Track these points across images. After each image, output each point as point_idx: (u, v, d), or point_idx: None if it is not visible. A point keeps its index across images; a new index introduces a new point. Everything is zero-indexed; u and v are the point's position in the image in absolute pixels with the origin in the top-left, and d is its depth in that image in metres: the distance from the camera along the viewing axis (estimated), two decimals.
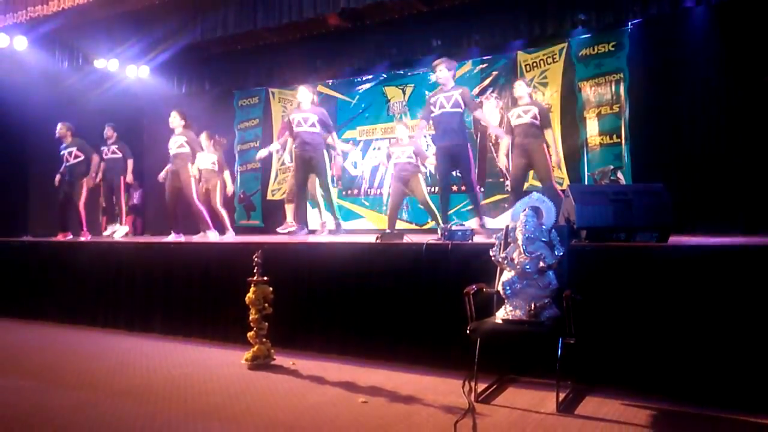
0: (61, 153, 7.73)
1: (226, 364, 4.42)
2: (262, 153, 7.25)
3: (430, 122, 5.99)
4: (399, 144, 6.92)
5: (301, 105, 6.06)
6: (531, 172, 6.54)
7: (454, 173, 6.31)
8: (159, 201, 8.94)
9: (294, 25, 7.43)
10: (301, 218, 6.04)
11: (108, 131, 8.08)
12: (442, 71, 5.83)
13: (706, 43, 6.43)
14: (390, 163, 7.05)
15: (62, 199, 7.75)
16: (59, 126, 7.69)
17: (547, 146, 6.16)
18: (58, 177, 7.72)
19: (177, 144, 7.03)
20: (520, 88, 6.25)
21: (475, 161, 6.26)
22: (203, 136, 7.67)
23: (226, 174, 7.88)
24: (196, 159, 7.21)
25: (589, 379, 3.64)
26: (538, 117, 6.07)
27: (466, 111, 5.94)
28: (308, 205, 7.14)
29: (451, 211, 6.66)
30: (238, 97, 9.99)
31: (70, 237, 7.49)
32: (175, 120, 7.04)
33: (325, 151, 6.19)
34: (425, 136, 7.54)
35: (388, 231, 6.11)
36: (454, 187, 6.99)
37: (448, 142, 5.80)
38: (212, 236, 6.97)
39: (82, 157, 7.70)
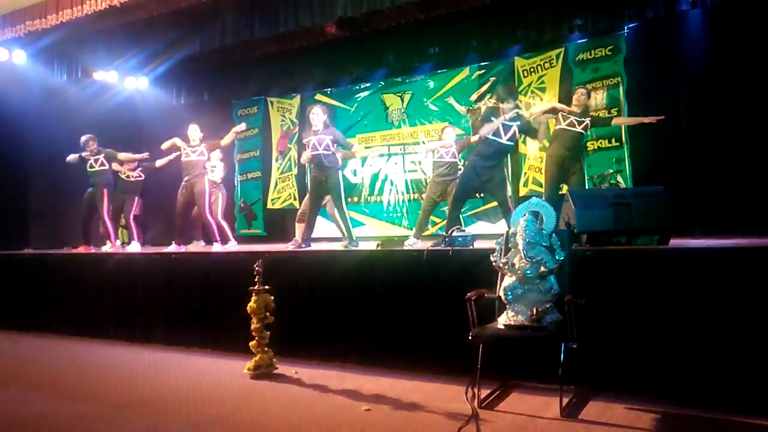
0: (88, 160, 7.64)
1: (228, 374, 4.42)
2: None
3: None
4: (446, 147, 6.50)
5: (314, 126, 6.04)
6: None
7: (478, 195, 6.37)
8: (159, 212, 8.98)
9: (291, 35, 7.43)
10: (308, 238, 6.08)
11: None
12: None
13: (703, 45, 6.45)
14: (429, 165, 6.79)
15: (86, 211, 7.72)
16: (84, 139, 7.60)
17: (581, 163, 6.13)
18: (76, 157, 7.60)
19: (196, 153, 6.98)
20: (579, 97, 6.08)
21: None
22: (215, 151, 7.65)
23: None
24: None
25: (592, 384, 3.63)
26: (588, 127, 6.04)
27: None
28: (327, 220, 7.27)
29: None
30: (237, 107, 10.00)
31: (93, 250, 7.41)
32: (195, 133, 6.98)
33: (340, 172, 6.20)
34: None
35: (414, 238, 6.03)
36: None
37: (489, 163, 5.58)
38: (216, 248, 6.95)
39: (107, 167, 7.67)
